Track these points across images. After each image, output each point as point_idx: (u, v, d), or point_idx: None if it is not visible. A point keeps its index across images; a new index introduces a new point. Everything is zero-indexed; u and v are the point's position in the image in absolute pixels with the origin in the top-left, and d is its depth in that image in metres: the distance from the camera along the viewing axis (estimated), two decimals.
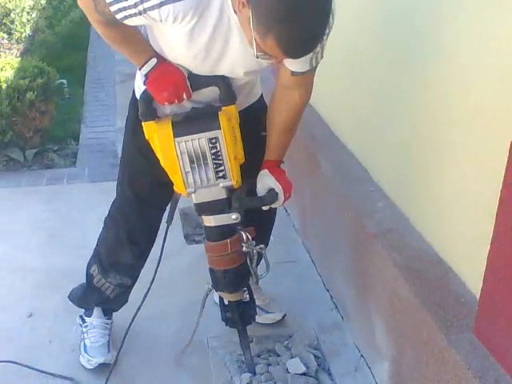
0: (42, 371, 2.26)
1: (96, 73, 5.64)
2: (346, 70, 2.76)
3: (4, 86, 3.80)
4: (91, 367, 2.27)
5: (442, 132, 1.94)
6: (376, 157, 2.52)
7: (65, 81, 4.85)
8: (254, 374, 2.21)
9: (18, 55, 4.77)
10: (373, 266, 2.24)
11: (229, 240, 1.96)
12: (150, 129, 1.88)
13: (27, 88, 3.87)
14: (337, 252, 2.65)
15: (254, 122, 2.00)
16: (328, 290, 2.76)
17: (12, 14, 5.48)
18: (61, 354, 2.35)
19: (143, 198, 2.13)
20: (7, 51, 4.88)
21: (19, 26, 5.44)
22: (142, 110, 1.89)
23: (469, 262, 1.85)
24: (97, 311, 2.35)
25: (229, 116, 1.83)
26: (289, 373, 2.28)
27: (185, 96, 1.82)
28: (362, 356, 2.38)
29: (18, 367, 2.27)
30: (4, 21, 5.44)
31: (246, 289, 2.17)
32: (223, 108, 1.84)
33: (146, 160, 1.99)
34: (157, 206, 2.16)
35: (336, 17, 1.62)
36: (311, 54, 1.74)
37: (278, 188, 1.91)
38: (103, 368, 2.27)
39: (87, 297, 2.35)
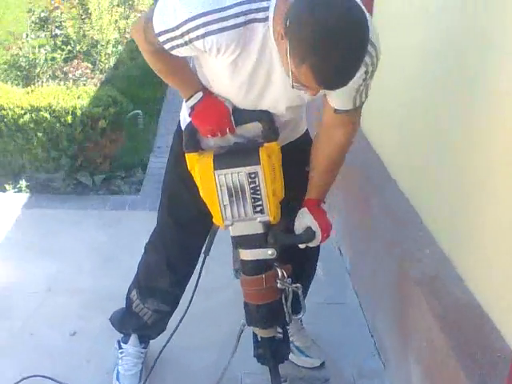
0: None
1: (172, 106, 5.80)
2: (405, 112, 2.72)
3: (79, 113, 3.97)
4: None
5: (497, 180, 1.88)
6: (427, 201, 2.46)
7: (140, 111, 5.02)
8: None
9: (99, 85, 4.97)
10: (413, 313, 2.17)
11: (264, 275, 1.94)
12: (192, 160, 1.91)
13: (100, 116, 4.02)
14: (381, 297, 2.59)
15: (297, 156, 2.00)
16: (372, 336, 2.69)
17: (98, 46, 5.77)
18: (96, 375, 2.38)
19: (182, 226, 2.15)
20: (89, 80, 5.10)
21: (104, 57, 5.70)
22: (186, 141, 1.93)
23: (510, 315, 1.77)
24: (133, 338, 2.37)
25: (269, 152, 1.83)
26: None
27: (228, 130, 1.85)
28: None
29: (53, 383, 2.32)
30: (91, 51, 5.72)
31: (281, 327, 2.13)
32: (265, 144, 1.86)
33: (186, 189, 2.01)
34: (196, 234, 2.16)
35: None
36: (354, 93, 1.75)
37: (316, 227, 1.89)
38: None
39: (126, 321, 2.38)
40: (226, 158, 1.87)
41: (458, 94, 2.14)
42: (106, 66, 5.64)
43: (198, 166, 1.89)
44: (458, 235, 2.16)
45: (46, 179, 4.03)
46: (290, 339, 2.49)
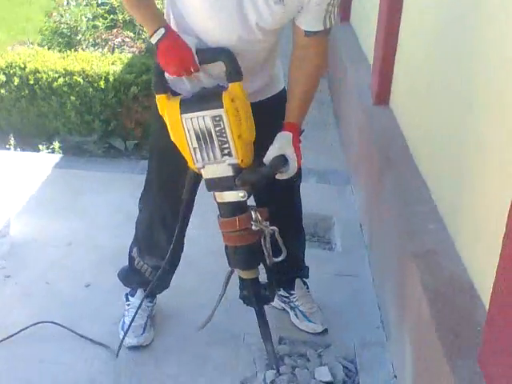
0: (81, 335, 2.43)
1: None
2: (427, 85, 2.73)
3: (111, 78, 4.07)
4: (126, 345, 2.40)
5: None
6: (438, 178, 2.47)
7: None
8: (277, 363, 2.22)
9: (137, 53, 5.07)
10: (408, 287, 2.21)
11: (237, 217, 1.99)
12: (161, 103, 1.96)
13: (132, 83, 4.12)
14: (388, 271, 2.62)
15: (275, 113, 2.04)
16: (380, 309, 2.73)
17: None
18: (105, 324, 2.50)
19: (169, 180, 2.20)
20: (129, 49, 5.20)
21: None
22: (155, 82, 1.98)
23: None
24: (139, 292, 2.48)
25: (233, 96, 1.87)
26: (314, 379, 2.29)
27: (192, 69, 1.90)
28: (395, 376, 2.33)
29: (61, 329, 2.45)
30: (133, 21, 5.80)
31: (266, 272, 2.18)
32: (229, 86, 1.89)
33: (171, 143, 2.03)
34: (183, 187, 2.16)
35: None
36: (324, 12, 1.87)
37: (293, 155, 1.93)
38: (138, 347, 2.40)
39: (130, 277, 2.49)
40: (191, 102, 1.92)
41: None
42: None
43: (167, 109, 1.94)
44: (460, 212, 2.17)
45: (79, 142, 4.16)
46: (296, 304, 2.58)
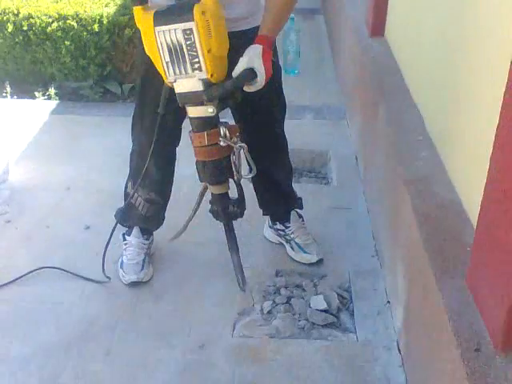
0: (81, 276, 2.49)
1: None
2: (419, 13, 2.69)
3: (105, 21, 4.03)
4: (125, 282, 2.46)
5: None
6: (431, 106, 2.47)
7: None
8: (243, 282, 2.23)
9: None
10: (400, 213, 2.23)
11: (206, 132, 1.99)
12: (137, 15, 1.94)
13: (126, 25, 4.08)
14: (381, 200, 2.64)
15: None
16: (374, 238, 2.76)
17: None
18: (105, 264, 2.54)
19: (152, 101, 2.19)
20: None
21: None
22: None
23: None
24: (135, 231, 2.52)
25: (204, 9, 1.83)
26: (310, 308, 2.34)
27: None
28: (388, 302, 2.38)
29: (62, 270, 2.51)
30: None
31: (238, 189, 2.16)
32: (202, 0, 1.86)
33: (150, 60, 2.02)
34: (169, 114, 2.14)
35: None
36: None
37: (262, 69, 1.90)
38: (137, 283, 2.45)
39: (125, 215, 2.52)
40: (164, 15, 1.89)
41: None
42: None
43: (142, 22, 1.93)
44: (451, 138, 2.17)
45: (75, 87, 4.16)
46: (292, 236, 2.61)
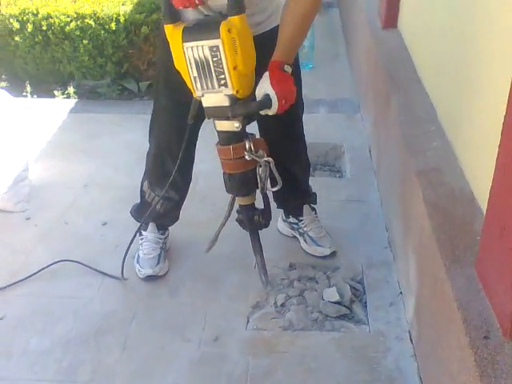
0: (99, 271, 2.53)
1: None
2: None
3: (122, 19, 4.08)
4: (141, 276, 2.50)
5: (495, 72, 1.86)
6: (443, 96, 2.46)
7: None
8: (267, 282, 2.26)
9: None
10: (411, 203, 2.23)
11: (232, 146, 2.02)
12: (168, 31, 1.98)
13: (143, 22, 4.12)
14: (394, 191, 2.65)
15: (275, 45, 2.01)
16: (387, 230, 2.77)
17: None
18: (121, 259, 2.56)
19: (175, 107, 2.24)
20: None
21: None
22: (164, 12, 1.99)
23: None
24: (151, 226, 2.56)
25: (230, 26, 1.85)
26: (323, 300, 2.36)
27: (197, 1, 1.89)
28: (400, 293, 2.39)
29: (80, 266, 2.56)
30: None
31: (264, 200, 2.19)
32: (228, 18, 1.87)
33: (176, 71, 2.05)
34: (187, 114, 2.15)
35: None
36: None
37: (272, 93, 1.90)
38: (153, 278, 2.49)
39: (142, 212, 2.55)
40: (192, 31, 1.92)
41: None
42: None
43: (172, 37, 1.96)
44: (463, 129, 2.17)
45: (93, 86, 4.22)
46: (305, 229, 2.63)
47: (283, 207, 2.69)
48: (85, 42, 4.09)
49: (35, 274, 2.50)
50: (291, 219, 2.67)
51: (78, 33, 4.08)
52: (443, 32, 2.48)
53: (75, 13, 4.08)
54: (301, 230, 2.64)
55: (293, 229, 2.67)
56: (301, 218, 2.64)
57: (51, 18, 4.08)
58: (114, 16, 4.08)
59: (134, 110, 4.03)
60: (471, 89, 2.07)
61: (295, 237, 2.68)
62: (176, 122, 2.25)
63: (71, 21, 4.07)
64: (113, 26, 4.08)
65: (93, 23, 4.07)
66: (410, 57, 3.06)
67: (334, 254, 2.60)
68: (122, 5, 4.22)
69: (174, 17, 1.97)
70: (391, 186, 2.74)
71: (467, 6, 2.16)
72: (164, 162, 2.37)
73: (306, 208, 2.65)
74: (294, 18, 1.95)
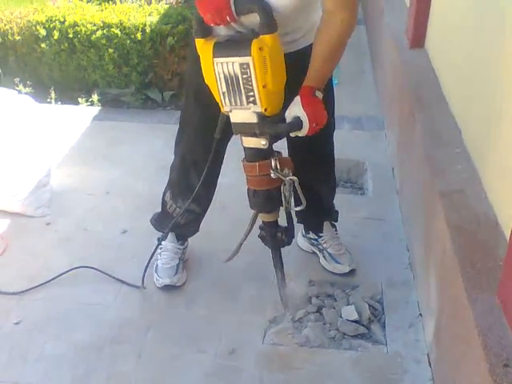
0: (117, 278, 2.53)
1: None
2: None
3: (148, 29, 4.11)
4: (159, 286, 2.49)
5: None
6: (469, 119, 2.45)
7: None
8: (285, 299, 2.26)
9: (174, 4, 5.07)
10: (434, 225, 2.21)
11: (258, 163, 2.03)
12: (199, 46, 2.00)
13: (169, 33, 4.15)
14: (416, 212, 2.63)
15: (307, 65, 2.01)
16: (408, 250, 2.75)
17: None
18: (140, 268, 2.56)
19: (201, 119, 2.24)
20: (167, 0, 5.20)
21: None
22: (195, 27, 2.00)
23: None
24: (171, 236, 2.56)
25: (262, 45, 1.85)
26: (341, 318, 2.34)
27: (228, 19, 1.89)
28: (420, 315, 2.37)
29: (98, 273, 2.56)
30: None
31: (287, 218, 2.19)
32: (260, 36, 1.87)
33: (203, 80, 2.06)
34: (215, 128, 2.17)
35: None
36: None
37: (303, 115, 1.90)
38: (170, 288, 2.49)
39: (162, 221, 2.56)
40: (223, 47, 1.93)
41: None
42: None
43: (202, 52, 1.97)
44: (488, 152, 2.15)
45: (117, 94, 4.24)
46: (324, 246, 2.63)
47: (303, 222, 2.68)
48: (110, 50, 4.12)
49: (53, 279, 2.51)
50: (311, 235, 2.66)
51: (103, 41, 4.11)
52: (471, 54, 2.47)
53: (102, 22, 4.12)
54: (320, 247, 2.63)
55: (312, 245, 2.67)
56: (320, 235, 2.64)
57: (78, 26, 4.12)
58: (140, 26, 4.11)
59: (156, 119, 4.05)
60: (499, 113, 2.05)
61: (315, 253, 2.67)
62: (203, 136, 2.25)
63: (97, 29, 4.10)
64: (139, 35, 4.10)
65: (119, 32, 4.10)
66: (436, 77, 3.05)
67: (353, 271, 2.58)
68: (149, 15, 4.24)
69: (206, 31, 1.98)
70: (413, 206, 2.72)
71: (497, 28, 2.15)
72: (188, 175, 2.37)
73: (326, 225, 2.64)
74: (325, 43, 1.94)
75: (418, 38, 3.45)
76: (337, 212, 2.69)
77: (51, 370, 2.12)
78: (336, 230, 2.68)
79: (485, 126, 2.21)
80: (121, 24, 4.10)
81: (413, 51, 3.45)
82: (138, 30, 4.10)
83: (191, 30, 4.29)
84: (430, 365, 2.13)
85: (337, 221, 2.69)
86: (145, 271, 2.48)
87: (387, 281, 2.56)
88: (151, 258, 2.47)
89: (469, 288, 1.73)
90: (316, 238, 2.64)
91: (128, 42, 4.11)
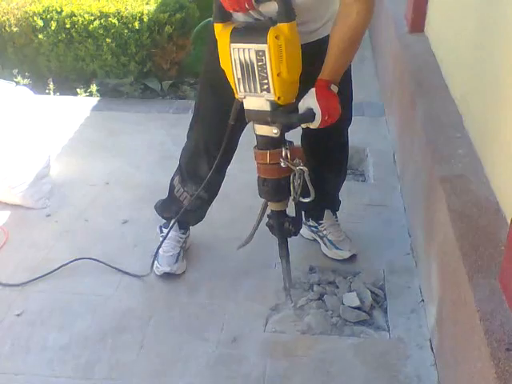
0: (118, 269, 2.53)
1: None
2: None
3: (146, 18, 4.08)
4: (158, 274, 2.49)
5: None
6: (469, 103, 2.44)
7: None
8: (289, 288, 2.24)
9: None
10: (435, 210, 2.21)
11: (269, 152, 2.02)
12: (217, 30, 1.99)
13: (166, 22, 4.12)
14: (418, 197, 2.62)
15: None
16: (410, 236, 2.74)
17: None
18: (141, 257, 2.58)
19: (216, 105, 2.22)
20: None
21: None
22: (214, 12, 2.00)
23: None
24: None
25: (278, 33, 1.84)
26: (342, 304, 2.34)
27: (247, 6, 1.88)
28: (422, 300, 2.36)
29: (100, 263, 2.56)
30: None
31: (296, 208, 2.19)
32: (278, 24, 1.86)
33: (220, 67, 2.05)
34: (229, 115, 2.15)
35: None
36: None
37: (316, 108, 1.89)
38: (171, 276, 2.49)
39: (167, 206, 2.56)
40: (241, 33, 1.93)
41: None
42: None
43: (220, 36, 1.97)
44: (489, 136, 2.14)
45: (116, 84, 4.22)
46: (324, 233, 2.62)
47: (305, 210, 2.67)
48: (108, 40, 4.09)
49: (54, 270, 2.51)
50: (311, 222, 2.66)
51: (101, 31, 4.08)
52: (473, 38, 2.45)
53: (99, 11, 4.09)
54: (320, 234, 2.62)
55: (313, 232, 2.66)
56: (320, 222, 2.63)
57: (75, 16, 4.09)
58: (138, 15, 4.08)
59: (155, 109, 4.04)
60: (500, 98, 2.04)
61: (316, 240, 2.66)
62: (217, 122, 2.23)
63: (95, 19, 4.07)
64: (136, 25, 4.07)
65: (116, 22, 4.07)
66: (436, 62, 3.03)
67: (353, 257, 2.58)
68: (146, 4, 4.21)
69: (225, 17, 1.98)
70: (415, 192, 2.71)
71: (499, 12, 2.13)
72: (199, 161, 2.36)
73: (327, 212, 2.64)
74: (340, 35, 1.92)
75: (418, 22, 3.43)
76: (340, 202, 2.68)
77: (54, 361, 2.12)
78: (336, 217, 2.67)
79: (486, 110, 2.20)
80: (118, 13, 4.07)
81: (413, 36, 3.44)
82: (135, 19, 4.07)
83: (189, 19, 4.29)
84: (433, 350, 2.13)
85: (338, 210, 2.69)
86: (153, 259, 2.48)
87: (389, 267, 2.56)
88: (160, 244, 2.47)
89: (470, 273, 1.72)
90: (316, 225, 2.64)
91: (126, 31, 4.08)
